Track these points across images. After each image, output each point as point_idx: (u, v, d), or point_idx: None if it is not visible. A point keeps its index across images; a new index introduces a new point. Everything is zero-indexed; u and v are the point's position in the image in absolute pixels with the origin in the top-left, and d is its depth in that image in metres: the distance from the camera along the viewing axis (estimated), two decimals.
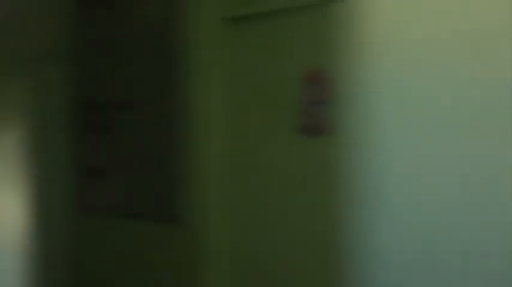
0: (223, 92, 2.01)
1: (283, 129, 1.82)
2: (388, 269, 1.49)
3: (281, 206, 1.80)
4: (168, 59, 2.07)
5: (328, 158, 1.67)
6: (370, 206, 1.54)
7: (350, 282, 1.56)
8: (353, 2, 1.60)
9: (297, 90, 1.78)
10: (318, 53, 1.75)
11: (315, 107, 1.72)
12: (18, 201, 3.80)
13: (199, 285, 1.94)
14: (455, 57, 1.40)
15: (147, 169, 2.13)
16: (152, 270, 2.14)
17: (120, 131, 2.25)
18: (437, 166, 1.43)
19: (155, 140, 2.10)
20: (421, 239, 1.45)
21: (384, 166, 1.53)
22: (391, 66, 1.54)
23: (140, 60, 2.18)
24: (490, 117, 1.33)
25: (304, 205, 1.73)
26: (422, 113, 1.48)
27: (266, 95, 1.90)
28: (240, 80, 1.99)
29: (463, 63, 1.39)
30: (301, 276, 1.73)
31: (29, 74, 3.57)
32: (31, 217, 3.67)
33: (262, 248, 1.85)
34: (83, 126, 2.47)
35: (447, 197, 1.40)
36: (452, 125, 1.40)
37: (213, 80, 1.99)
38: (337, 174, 1.63)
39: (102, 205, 2.35)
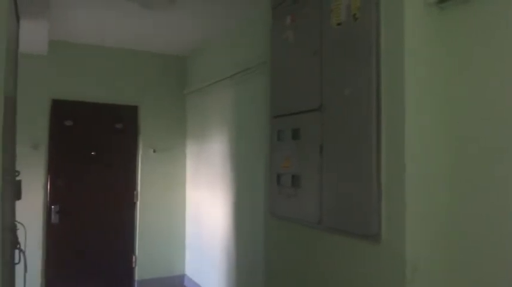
0: (431, 93, 1.76)
1: None
2: None
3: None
4: (364, 56, 1.85)
5: None
6: None
7: None
8: None
9: None
10: None
11: None
12: (223, 204, 4.15)
13: None
14: None
15: (341, 178, 1.97)
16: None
17: (316, 140, 2.15)
18: None
19: (352, 147, 1.91)
20: None
21: None
22: None
23: (333, 63, 2.06)
24: None
25: None
26: None
27: (488, 91, 1.60)
28: (452, 73, 1.74)
29: None
30: None
31: (233, 84, 3.94)
32: (233, 219, 3.97)
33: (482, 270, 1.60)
34: (278, 134, 2.48)
35: None
36: None
37: (417, 77, 1.73)
38: None
39: (296, 212, 2.31)
